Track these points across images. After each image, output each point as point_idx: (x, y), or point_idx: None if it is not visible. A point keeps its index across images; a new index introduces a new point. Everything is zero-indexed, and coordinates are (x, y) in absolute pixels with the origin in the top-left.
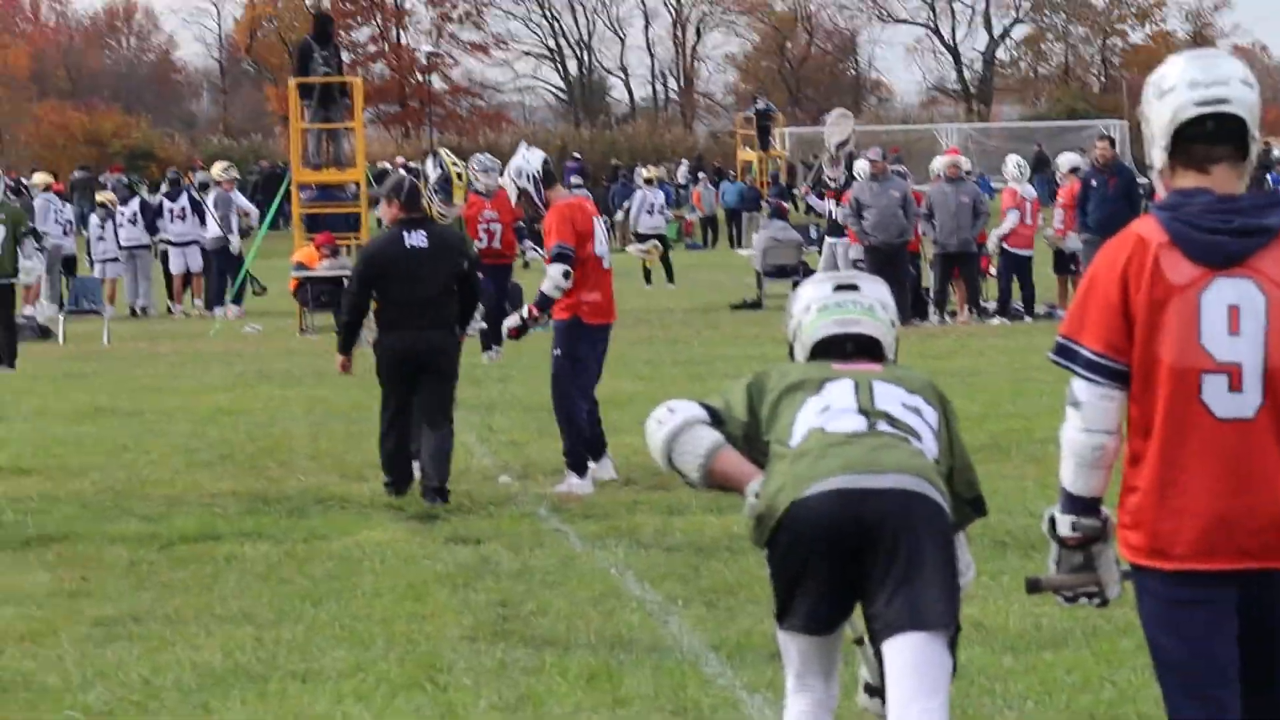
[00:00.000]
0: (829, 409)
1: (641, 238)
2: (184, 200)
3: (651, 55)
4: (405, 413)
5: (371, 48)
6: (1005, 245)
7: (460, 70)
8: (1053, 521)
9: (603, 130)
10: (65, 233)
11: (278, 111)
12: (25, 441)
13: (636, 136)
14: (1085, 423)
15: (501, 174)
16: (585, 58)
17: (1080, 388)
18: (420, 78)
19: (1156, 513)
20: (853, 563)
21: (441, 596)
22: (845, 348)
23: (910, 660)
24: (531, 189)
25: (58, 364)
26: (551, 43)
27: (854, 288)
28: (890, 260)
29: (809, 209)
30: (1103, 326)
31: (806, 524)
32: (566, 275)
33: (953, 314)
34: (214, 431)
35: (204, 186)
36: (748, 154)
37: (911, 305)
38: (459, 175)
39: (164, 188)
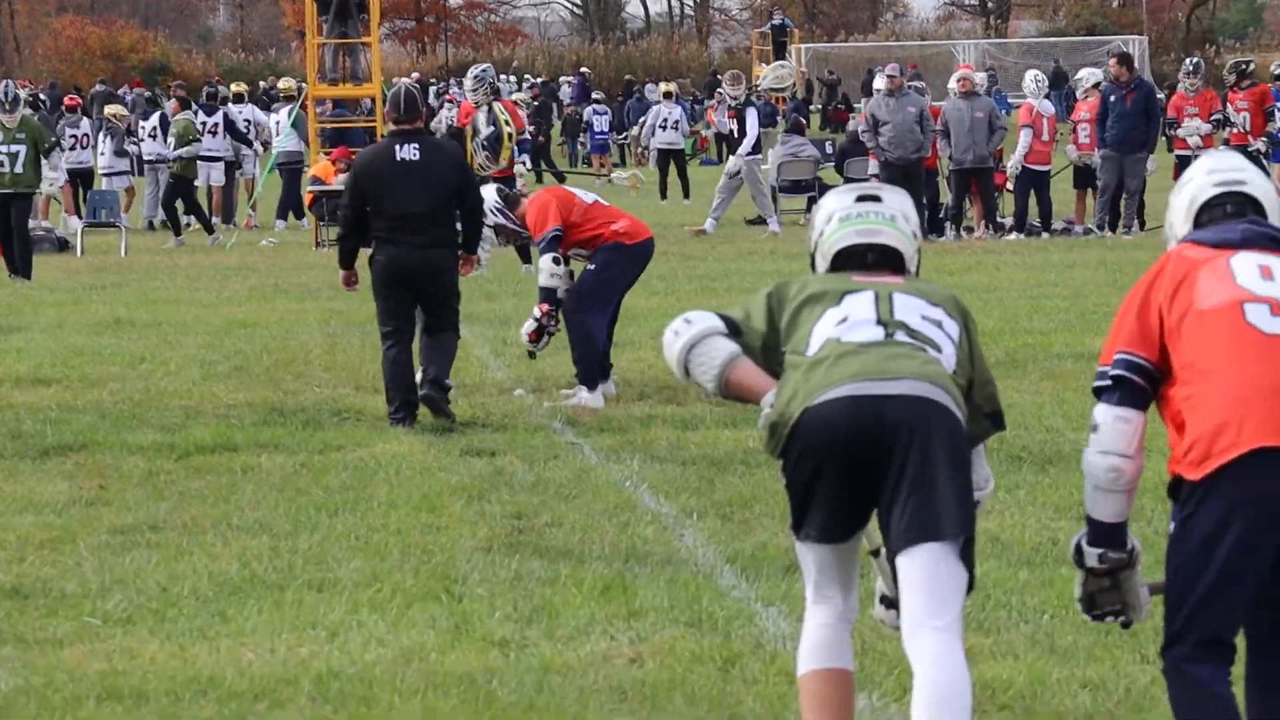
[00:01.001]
0: (847, 320)
1: (660, 153)
2: (218, 116)
3: None
4: (404, 335)
5: None
6: (1023, 162)
7: None
8: (1079, 550)
9: (617, 46)
10: (83, 146)
11: (294, 26)
12: (44, 352)
13: (651, 53)
14: (1100, 445)
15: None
16: None
17: (1098, 411)
18: None
19: (1222, 416)
20: (866, 470)
21: (456, 508)
22: (866, 258)
23: (922, 576)
24: (503, 220)
25: (76, 276)
26: None
27: (876, 199)
28: (907, 176)
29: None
30: (1127, 331)
31: (818, 431)
32: (556, 261)
33: (969, 230)
34: (231, 344)
35: (222, 101)
36: (763, 70)
37: (928, 221)
38: (510, 135)
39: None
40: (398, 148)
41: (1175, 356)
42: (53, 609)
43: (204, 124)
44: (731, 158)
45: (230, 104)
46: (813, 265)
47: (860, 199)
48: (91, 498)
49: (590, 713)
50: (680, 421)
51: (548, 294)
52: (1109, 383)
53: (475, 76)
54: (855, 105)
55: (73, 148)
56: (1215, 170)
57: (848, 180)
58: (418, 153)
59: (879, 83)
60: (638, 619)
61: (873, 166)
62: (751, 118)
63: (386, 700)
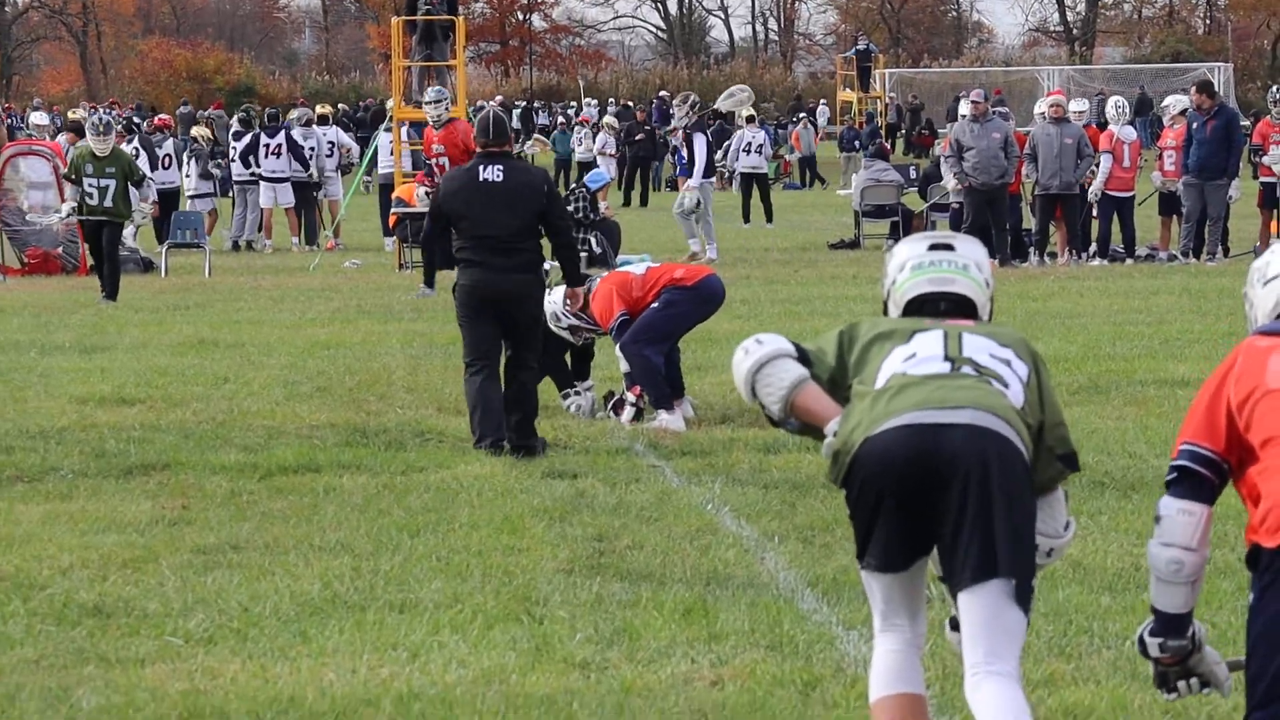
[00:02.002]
0: (915, 356)
1: (744, 177)
2: (280, 137)
3: None
4: (489, 365)
5: None
6: (1105, 189)
7: (560, 9)
8: (1142, 642)
9: (701, 70)
10: (165, 167)
11: (379, 49)
12: (128, 372)
13: (735, 77)
14: (1162, 537)
15: (453, 104)
16: None
17: (1162, 503)
18: (521, 16)
19: None
20: (925, 500)
21: (538, 530)
22: (939, 306)
23: (981, 619)
24: (574, 320)
25: (160, 296)
26: None
27: (949, 247)
28: (991, 202)
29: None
30: (1195, 423)
31: (878, 460)
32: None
33: (1053, 255)
34: (313, 364)
35: (308, 123)
36: (847, 94)
37: (1012, 247)
38: None
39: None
40: (481, 168)
41: (1252, 437)
42: (135, 628)
43: (267, 145)
44: (685, 191)
45: (315, 125)
46: (885, 313)
47: (933, 247)
48: (174, 517)
49: None
50: (762, 445)
51: (632, 378)
52: (1175, 475)
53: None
54: (940, 130)
55: (155, 168)
56: None
57: (930, 205)
58: (502, 174)
59: (964, 108)
60: (718, 642)
61: (955, 193)
62: (699, 142)
63: None
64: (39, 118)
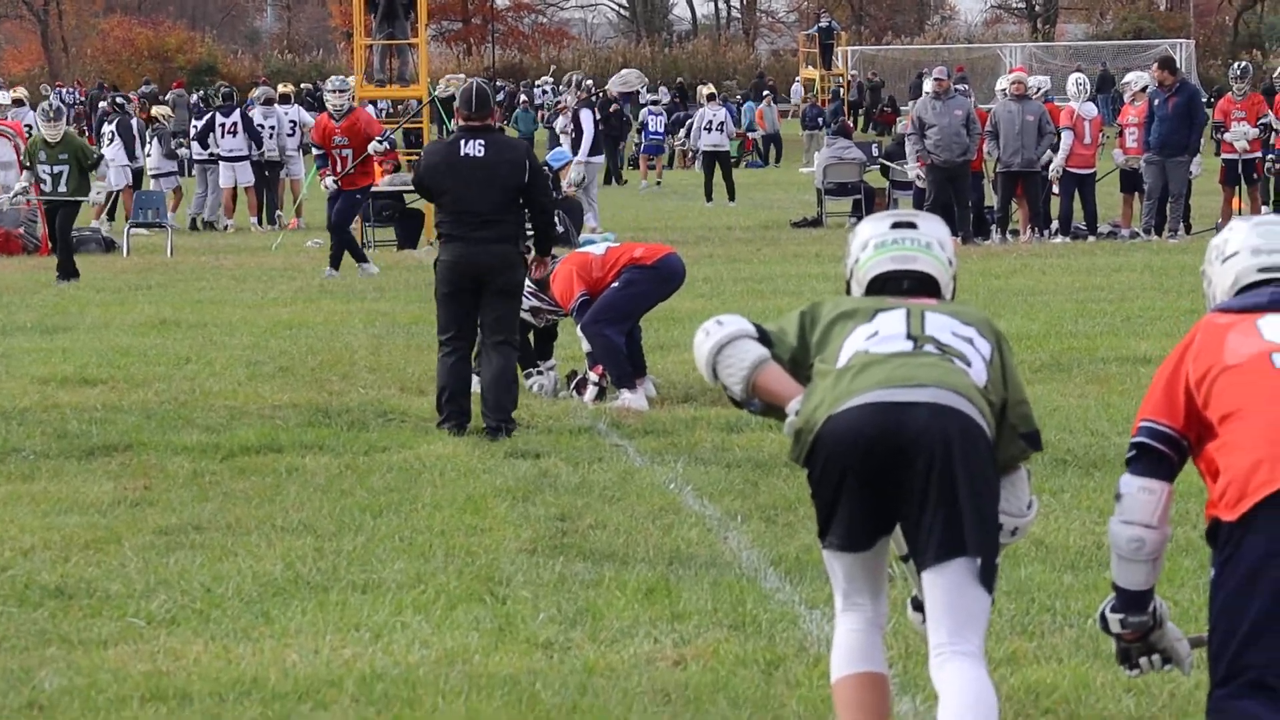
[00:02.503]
0: (877, 334)
1: (706, 155)
2: (235, 116)
3: None
4: (463, 343)
5: None
6: (1066, 166)
7: None
8: (1104, 618)
9: (664, 48)
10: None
11: (341, 27)
12: (90, 352)
13: (698, 54)
14: (1123, 515)
15: (415, 82)
16: None
17: (1123, 480)
18: None
19: (1256, 455)
20: (888, 478)
21: (501, 510)
22: (902, 284)
23: (945, 599)
24: (537, 302)
25: (122, 276)
26: None
27: (912, 225)
28: (953, 179)
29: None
30: (1155, 400)
31: (841, 438)
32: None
33: (1015, 233)
34: (276, 344)
35: (268, 102)
36: (810, 72)
37: (974, 224)
38: None
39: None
40: (463, 143)
41: (1210, 414)
42: (97, 609)
43: (223, 124)
44: (573, 166)
45: (277, 104)
46: (848, 291)
47: (896, 225)
48: (136, 498)
49: (634, 715)
50: (725, 424)
51: (594, 358)
52: (1134, 452)
53: (336, 89)
54: (901, 108)
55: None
56: (1260, 251)
57: (892, 183)
58: (483, 149)
59: (926, 85)
60: (681, 622)
61: (915, 170)
62: (586, 119)
63: (430, 702)
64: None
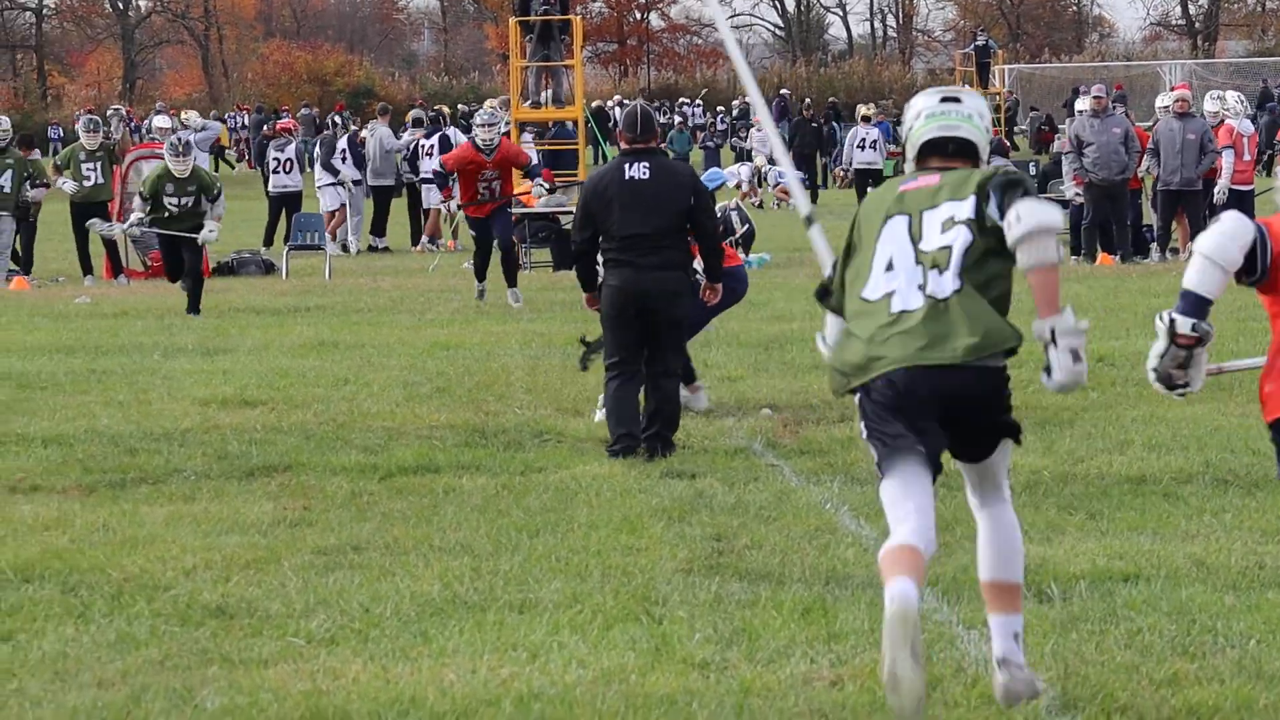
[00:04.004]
0: (893, 269)
1: (859, 173)
2: (435, 139)
3: None
4: (630, 368)
5: None
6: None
7: (678, 7)
8: (1172, 322)
9: (819, 67)
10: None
11: (497, 49)
12: (250, 374)
13: (853, 74)
14: (1225, 233)
15: (506, 126)
16: None
17: (1229, 215)
18: (638, 15)
19: None
20: (934, 419)
21: (656, 530)
22: (947, 148)
23: (980, 477)
24: None
25: (281, 298)
26: None
27: (958, 100)
28: (1111, 197)
29: None
30: None
31: (885, 391)
32: None
33: (1175, 251)
34: (433, 365)
35: (419, 123)
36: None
37: (1132, 243)
38: None
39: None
40: (627, 166)
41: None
42: (257, 629)
43: (424, 145)
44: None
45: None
46: (903, 156)
47: (944, 100)
48: (296, 518)
49: None
50: None
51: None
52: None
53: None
54: (1059, 127)
55: (275, 171)
56: None
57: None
58: (648, 172)
59: (1083, 104)
60: (838, 641)
61: (1074, 189)
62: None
63: None
64: (161, 121)
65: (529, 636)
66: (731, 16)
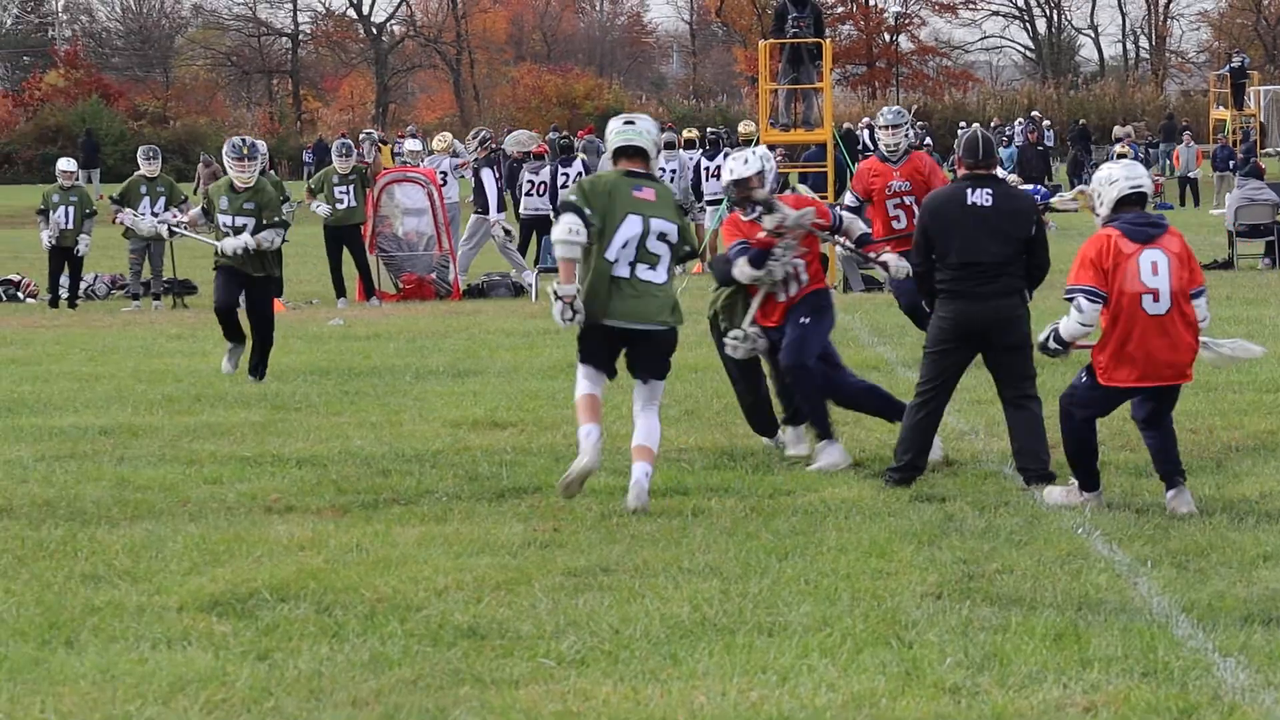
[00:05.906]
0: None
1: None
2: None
3: (1123, 13)
4: (940, 397)
5: (839, 8)
6: None
7: (928, 30)
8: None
9: (1070, 89)
10: (540, 194)
11: (745, 72)
12: (500, 396)
13: (1105, 96)
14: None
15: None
16: (1055, 16)
17: (1083, 303)
18: (888, 38)
19: (1116, 360)
20: None
21: (906, 553)
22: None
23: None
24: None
25: (530, 321)
26: (1020, 1)
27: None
28: None
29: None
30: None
31: None
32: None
33: None
34: (681, 388)
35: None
36: (1220, 113)
37: None
38: None
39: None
40: (969, 192)
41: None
42: (509, 649)
43: (707, 168)
44: (496, 226)
45: (682, 150)
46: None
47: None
48: (546, 540)
49: None
50: (1133, 469)
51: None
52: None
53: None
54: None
55: (529, 193)
56: None
57: None
58: (990, 199)
59: None
60: (1091, 668)
61: None
62: (487, 178)
63: None
64: (413, 144)
65: (778, 659)
66: (982, 39)
